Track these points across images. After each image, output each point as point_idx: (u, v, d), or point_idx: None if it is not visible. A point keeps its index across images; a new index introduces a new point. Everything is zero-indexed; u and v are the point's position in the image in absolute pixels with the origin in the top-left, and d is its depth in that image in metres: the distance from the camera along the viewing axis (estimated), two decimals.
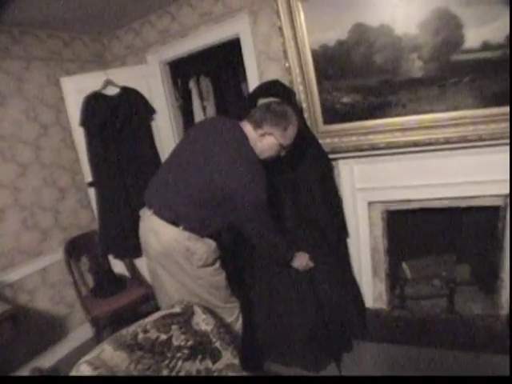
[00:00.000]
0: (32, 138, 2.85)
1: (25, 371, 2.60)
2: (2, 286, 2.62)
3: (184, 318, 1.69)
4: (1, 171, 2.67)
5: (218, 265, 1.95)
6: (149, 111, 3.07)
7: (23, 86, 2.82)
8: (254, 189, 1.74)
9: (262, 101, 2.17)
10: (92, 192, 3.06)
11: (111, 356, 1.47)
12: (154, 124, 3.18)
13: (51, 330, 2.92)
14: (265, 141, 1.85)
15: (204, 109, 4.18)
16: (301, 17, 2.32)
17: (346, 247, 2.67)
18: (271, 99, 2.12)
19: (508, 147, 2.09)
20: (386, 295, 2.76)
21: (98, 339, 2.75)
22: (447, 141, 2.19)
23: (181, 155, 1.91)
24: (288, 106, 1.95)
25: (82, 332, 3.10)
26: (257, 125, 1.84)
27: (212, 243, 1.90)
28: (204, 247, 1.86)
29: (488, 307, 2.54)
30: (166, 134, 3.26)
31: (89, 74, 3.00)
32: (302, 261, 2.16)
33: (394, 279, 2.79)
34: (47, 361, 2.81)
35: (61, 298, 3.00)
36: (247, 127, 1.86)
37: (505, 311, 2.40)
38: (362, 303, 2.70)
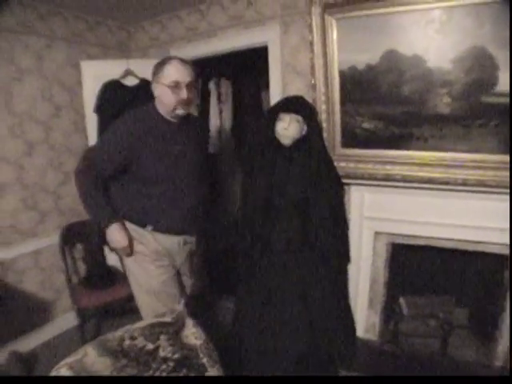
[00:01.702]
0: (44, 117, 2.81)
1: (3, 353, 2.54)
2: None
3: (174, 329, 1.64)
4: (8, 147, 2.63)
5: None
6: None
7: (42, 65, 2.78)
8: (100, 141, 1.95)
9: (283, 115, 2.11)
10: None
11: (94, 361, 1.41)
12: None
13: (36, 313, 2.87)
14: (157, 92, 1.86)
15: (220, 112, 4.15)
16: (333, 34, 2.28)
17: (345, 273, 2.61)
18: (293, 115, 2.08)
19: None
20: (379, 327, 2.70)
21: (81, 329, 2.73)
22: (464, 182, 2.14)
23: None
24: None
25: (66, 320, 3.04)
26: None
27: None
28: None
29: (482, 355, 2.47)
30: None
31: (110, 61, 2.97)
32: (113, 235, 1.93)
33: (390, 312, 2.73)
34: (27, 344, 2.75)
35: (50, 283, 2.95)
36: None
37: (500, 362, 2.34)
38: (354, 331, 2.64)
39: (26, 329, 2.79)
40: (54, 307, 2.99)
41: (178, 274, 2.14)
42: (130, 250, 1.97)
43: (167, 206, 1.92)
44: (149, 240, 1.97)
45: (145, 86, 2.85)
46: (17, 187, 2.70)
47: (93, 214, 1.95)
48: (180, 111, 1.84)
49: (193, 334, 1.67)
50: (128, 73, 2.89)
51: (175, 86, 1.79)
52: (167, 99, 1.82)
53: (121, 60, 2.98)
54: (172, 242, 2.01)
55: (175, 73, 1.79)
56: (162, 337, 1.61)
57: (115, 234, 1.92)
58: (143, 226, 1.95)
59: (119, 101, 2.77)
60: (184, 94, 1.79)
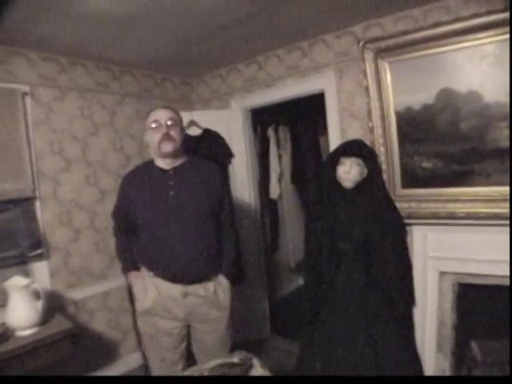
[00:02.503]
0: (114, 167, 3.05)
1: None
2: (67, 302, 2.76)
3: (242, 370, 1.66)
4: (84, 195, 2.88)
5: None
6: (228, 155, 3.18)
7: (115, 119, 3.05)
8: None
9: (343, 159, 2.17)
10: None
11: None
12: (231, 168, 3.27)
13: (103, 352, 2.98)
14: (146, 138, 2.02)
15: (280, 157, 4.26)
16: (387, 78, 2.35)
17: (410, 316, 2.52)
18: (353, 159, 2.13)
19: None
20: (450, 373, 2.56)
21: (146, 369, 2.78)
22: None
23: None
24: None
25: (131, 359, 3.12)
26: None
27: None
28: None
29: None
30: (241, 178, 3.34)
31: None
32: (130, 282, 2.06)
33: (460, 358, 2.58)
34: None
35: (117, 324, 3.08)
36: None
37: None
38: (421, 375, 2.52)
39: (93, 368, 2.89)
40: (120, 347, 3.10)
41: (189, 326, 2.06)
42: None
43: (162, 250, 1.92)
44: (151, 288, 1.98)
45: (207, 136, 3.06)
46: (91, 231, 2.91)
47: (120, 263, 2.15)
48: (165, 148, 1.89)
49: (261, 375, 1.69)
50: (192, 123, 3.09)
51: (156, 125, 1.90)
52: (152, 139, 1.93)
53: (185, 112, 3.19)
54: (173, 290, 1.95)
55: (155, 114, 1.93)
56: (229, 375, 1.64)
57: (131, 280, 2.06)
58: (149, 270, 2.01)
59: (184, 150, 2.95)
60: (163, 129, 1.89)
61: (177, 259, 1.89)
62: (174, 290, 1.94)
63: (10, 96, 2.45)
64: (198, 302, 1.97)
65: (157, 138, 1.89)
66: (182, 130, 2.01)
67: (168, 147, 1.89)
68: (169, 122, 1.90)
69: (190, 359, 2.12)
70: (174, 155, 1.95)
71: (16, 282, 2.19)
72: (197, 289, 1.96)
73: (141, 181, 1.99)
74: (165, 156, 1.94)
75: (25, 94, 2.54)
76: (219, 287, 2.02)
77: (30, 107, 2.59)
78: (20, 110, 2.49)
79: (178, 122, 1.96)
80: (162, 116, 1.91)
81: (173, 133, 1.91)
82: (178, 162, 1.99)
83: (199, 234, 1.93)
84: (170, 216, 1.90)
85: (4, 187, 2.40)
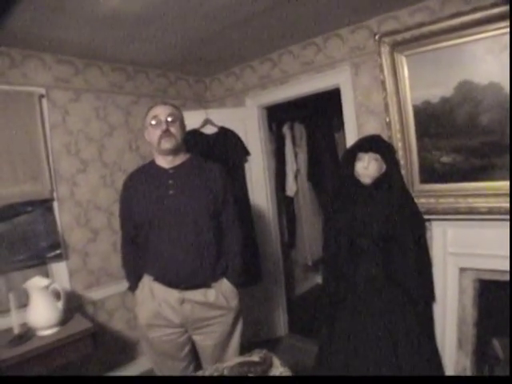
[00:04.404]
0: (130, 167, 3.04)
1: None
2: (86, 302, 2.79)
3: (262, 368, 1.66)
4: (101, 196, 2.90)
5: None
6: (243, 153, 3.17)
7: (130, 119, 3.07)
8: None
9: (361, 155, 2.15)
10: None
11: None
12: (247, 166, 3.26)
13: (122, 351, 3.01)
14: (146, 136, 1.97)
15: (296, 155, 4.25)
16: (404, 72, 2.31)
17: (430, 313, 2.49)
18: (371, 154, 2.10)
19: None
20: (471, 372, 2.51)
21: None
22: None
23: None
24: None
25: None
26: None
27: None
28: None
29: None
30: (257, 176, 3.33)
31: (190, 112, 3.15)
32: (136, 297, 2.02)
33: (482, 356, 2.53)
34: None
35: (135, 323, 3.07)
36: None
37: None
38: (442, 373, 2.48)
39: (111, 367, 2.92)
40: (138, 346, 3.12)
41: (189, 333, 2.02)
42: None
43: (159, 252, 1.90)
44: (148, 299, 1.96)
45: (223, 134, 3.05)
46: (109, 231, 2.94)
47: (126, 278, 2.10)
48: (165, 145, 1.86)
49: (281, 374, 1.68)
50: (207, 122, 3.09)
51: (156, 122, 1.86)
52: (152, 136, 1.89)
53: (200, 110, 3.21)
54: (170, 296, 1.91)
55: (155, 110, 1.89)
56: (250, 375, 1.63)
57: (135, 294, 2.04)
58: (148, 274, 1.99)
59: (200, 148, 2.93)
60: (163, 126, 1.85)
61: (173, 262, 1.86)
62: (171, 295, 1.89)
63: (28, 99, 2.49)
64: (196, 308, 1.91)
65: (156, 134, 1.86)
66: (183, 126, 1.97)
67: (168, 144, 1.86)
68: (169, 118, 1.87)
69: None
70: (174, 153, 1.92)
71: (37, 282, 2.22)
72: (195, 295, 1.90)
73: (141, 181, 1.96)
74: (165, 153, 1.91)
75: (41, 96, 2.58)
76: (221, 293, 1.95)
77: (47, 109, 2.62)
78: (37, 113, 2.52)
79: (178, 117, 1.92)
80: (162, 112, 1.88)
81: (173, 129, 1.87)
82: (179, 160, 1.96)
83: (198, 236, 1.87)
84: (169, 216, 1.87)
85: (23, 189, 2.44)
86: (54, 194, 2.63)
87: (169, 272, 1.87)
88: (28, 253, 2.46)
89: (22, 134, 2.44)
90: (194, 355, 2.09)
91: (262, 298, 3.37)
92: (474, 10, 2.04)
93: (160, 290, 1.91)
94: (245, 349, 2.00)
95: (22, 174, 2.43)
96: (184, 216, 1.86)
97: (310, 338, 3.30)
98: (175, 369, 2.02)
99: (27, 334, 2.14)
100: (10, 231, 2.40)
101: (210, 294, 1.92)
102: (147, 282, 1.95)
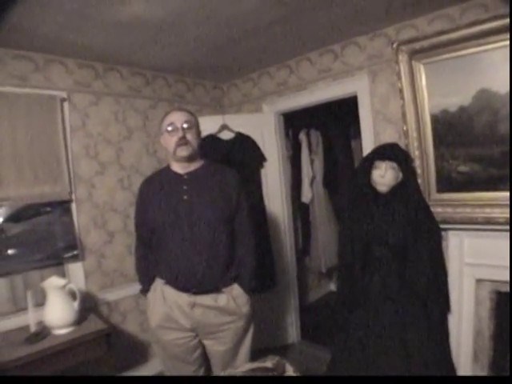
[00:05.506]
0: (148, 171, 3.09)
1: None
2: (101, 303, 2.83)
3: (274, 374, 1.65)
4: (117, 198, 2.95)
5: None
6: (260, 159, 3.18)
7: (148, 123, 3.12)
8: None
9: (378, 163, 2.14)
10: None
11: None
12: (263, 171, 3.28)
13: (135, 352, 3.03)
14: (162, 142, 1.98)
15: (312, 161, 4.25)
16: (422, 80, 2.30)
17: (445, 323, 2.45)
18: (388, 162, 2.09)
19: None
20: None
21: None
22: None
23: None
24: None
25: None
26: None
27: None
28: None
29: None
30: (273, 182, 3.33)
31: (207, 118, 3.20)
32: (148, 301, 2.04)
33: (499, 370, 2.48)
34: None
35: (148, 325, 3.11)
36: None
37: None
38: None
39: (123, 369, 2.94)
40: (150, 349, 3.13)
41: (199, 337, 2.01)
42: None
43: (171, 256, 1.90)
44: (159, 303, 1.96)
45: (239, 139, 3.07)
46: (124, 234, 2.97)
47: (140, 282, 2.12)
48: (181, 152, 1.87)
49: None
50: (224, 127, 3.12)
51: (172, 128, 1.87)
52: (168, 143, 1.91)
53: (217, 116, 3.24)
54: (181, 300, 1.91)
55: (171, 117, 1.90)
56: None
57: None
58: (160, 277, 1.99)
59: (217, 153, 2.94)
60: (180, 133, 1.85)
61: (185, 266, 1.86)
62: (182, 299, 1.89)
63: (50, 102, 2.54)
64: (206, 313, 1.91)
65: (173, 141, 1.88)
66: (198, 132, 1.98)
67: (185, 152, 1.88)
68: (185, 125, 1.88)
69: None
70: (189, 159, 1.94)
71: (54, 282, 2.26)
72: (206, 299, 1.89)
73: (156, 186, 1.98)
74: (181, 160, 1.93)
75: (63, 99, 2.63)
76: (233, 298, 1.94)
77: (68, 112, 2.68)
78: (58, 116, 2.58)
79: (193, 124, 1.93)
80: (178, 119, 1.89)
81: (189, 136, 1.88)
82: (194, 166, 1.97)
83: (211, 241, 1.87)
84: (182, 220, 1.87)
85: (43, 190, 2.49)
86: (73, 196, 2.68)
87: (180, 276, 1.87)
88: (46, 253, 2.50)
89: (43, 137, 2.50)
90: (205, 359, 2.09)
91: (275, 304, 3.36)
92: (494, 18, 2.02)
93: (171, 293, 1.92)
94: (256, 355, 1.98)
95: (42, 175, 2.49)
96: (197, 221, 1.87)
97: (322, 345, 3.29)
98: (186, 372, 2.03)
99: (43, 332, 2.18)
100: (29, 231, 2.46)
101: (221, 299, 1.92)
102: (159, 285, 1.96)
